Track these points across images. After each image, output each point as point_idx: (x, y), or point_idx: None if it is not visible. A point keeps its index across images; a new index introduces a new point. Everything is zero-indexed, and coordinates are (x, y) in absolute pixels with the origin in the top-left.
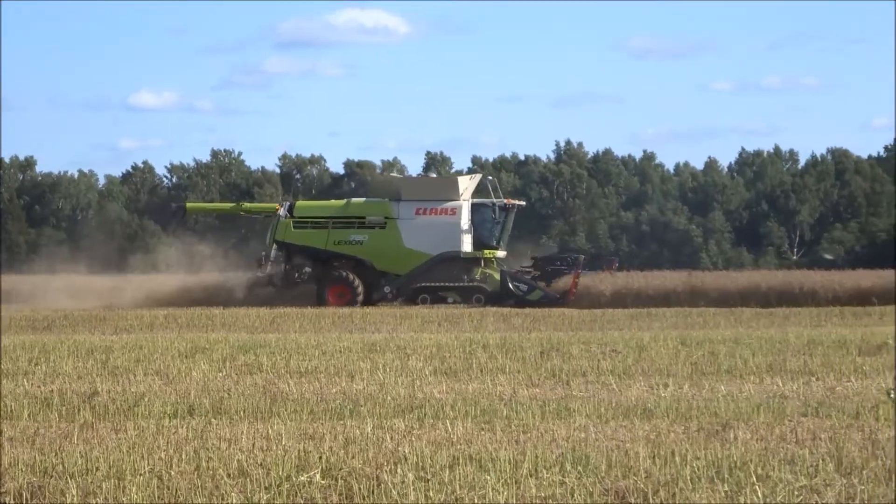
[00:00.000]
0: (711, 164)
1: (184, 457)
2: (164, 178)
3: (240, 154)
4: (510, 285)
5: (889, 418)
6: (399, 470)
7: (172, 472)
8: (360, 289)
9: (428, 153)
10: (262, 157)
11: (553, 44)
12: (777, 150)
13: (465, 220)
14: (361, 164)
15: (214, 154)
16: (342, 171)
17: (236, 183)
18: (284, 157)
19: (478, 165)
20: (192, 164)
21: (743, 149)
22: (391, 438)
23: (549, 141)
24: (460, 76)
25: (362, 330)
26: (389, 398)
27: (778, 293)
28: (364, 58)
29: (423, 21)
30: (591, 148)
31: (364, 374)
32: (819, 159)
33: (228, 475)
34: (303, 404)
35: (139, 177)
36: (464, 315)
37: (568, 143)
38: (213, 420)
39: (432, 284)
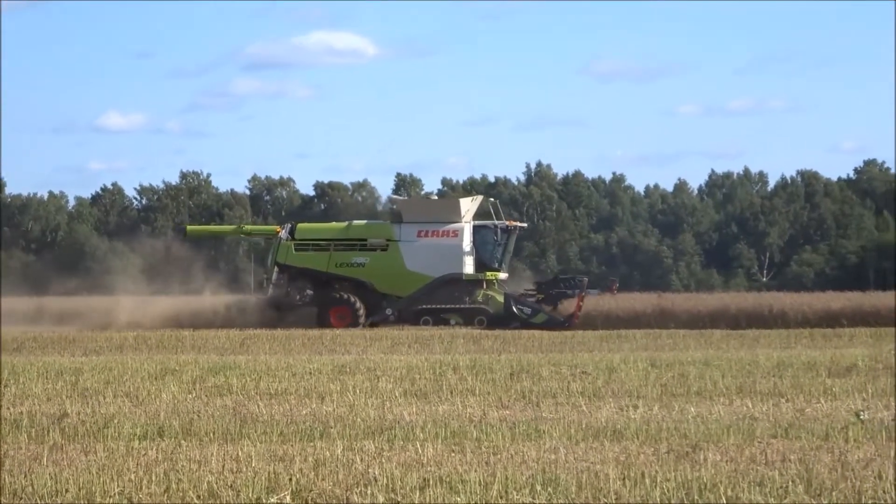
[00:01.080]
0: (681, 187)
1: (153, 479)
2: (134, 200)
3: (209, 176)
4: (514, 308)
5: (858, 440)
6: (369, 491)
7: (142, 495)
8: (362, 311)
9: (398, 174)
10: (230, 178)
11: (519, 67)
12: (746, 172)
13: (466, 242)
14: (332, 186)
15: (183, 176)
16: (312, 193)
17: (206, 205)
18: (254, 178)
19: (448, 187)
20: (161, 185)
21: (713, 171)
22: (361, 460)
23: (516, 164)
24: (428, 98)
25: (332, 351)
26: (359, 420)
27: (748, 315)
28: (332, 79)
29: (392, 43)
30: (560, 170)
31: (334, 396)
32: (788, 181)
33: (198, 497)
34: (273, 426)
35: (108, 198)
36: (434, 337)
37: (539, 164)
38: (182, 442)
39: (434, 306)
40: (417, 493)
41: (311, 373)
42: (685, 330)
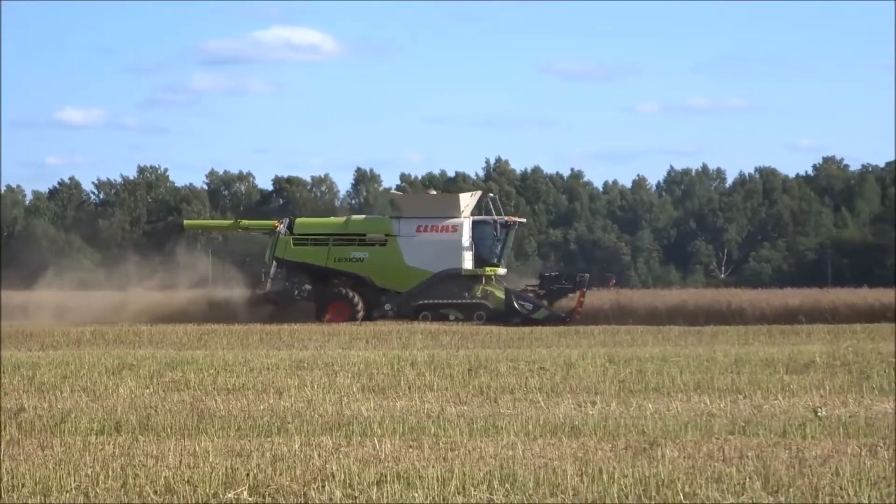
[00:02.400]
0: (640, 183)
1: (110, 473)
2: (92, 195)
3: (166, 171)
4: (515, 304)
5: (816, 436)
6: (327, 487)
7: (99, 489)
8: (361, 306)
9: (358, 169)
10: (188, 174)
11: (478, 65)
12: (705, 168)
13: (466, 238)
14: (291, 181)
15: (141, 171)
16: (271, 188)
17: (164, 200)
18: (212, 173)
19: (406, 183)
20: (119, 180)
21: (671, 167)
22: (319, 455)
23: (475, 160)
24: (387, 95)
25: (290, 347)
26: (317, 415)
27: (706, 311)
28: (291, 75)
29: (351, 40)
30: (519, 166)
31: (292, 391)
32: (747, 178)
33: (155, 492)
34: (230, 421)
35: (66, 193)
36: (392, 332)
37: (498, 160)
38: (139, 437)
39: (433, 302)
40: (375, 489)
41: (268, 368)
42: (643, 326)
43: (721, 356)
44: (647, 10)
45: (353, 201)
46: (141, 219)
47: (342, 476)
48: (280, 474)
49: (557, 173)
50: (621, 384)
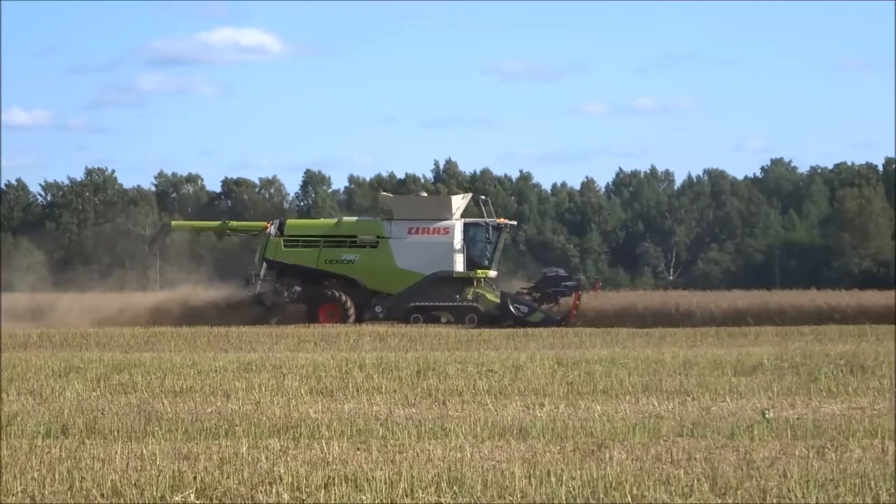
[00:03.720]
0: (588, 185)
1: (57, 477)
2: (38, 196)
3: (114, 172)
4: (511, 307)
5: (764, 438)
6: (274, 490)
7: (45, 493)
8: (352, 308)
9: (307, 171)
10: (135, 175)
11: (426, 66)
12: (653, 170)
13: (458, 240)
14: (239, 182)
15: (89, 172)
16: (219, 190)
17: (112, 201)
18: (160, 175)
19: (355, 184)
20: (66, 182)
21: (620, 169)
22: (266, 458)
23: (424, 161)
24: (334, 96)
25: (238, 349)
26: (265, 418)
27: (654, 313)
28: (238, 76)
29: (298, 40)
30: (468, 168)
31: (239, 394)
32: (695, 180)
33: (102, 495)
34: (177, 424)
35: (12, 194)
36: (340, 334)
37: (447, 162)
38: (86, 440)
39: (425, 304)
40: (323, 492)
41: (216, 370)
42: (591, 328)
43: (669, 358)
44: (591, 10)
45: (302, 203)
46: (88, 221)
47: (290, 478)
48: (227, 477)
49: (506, 175)
50: (569, 386)
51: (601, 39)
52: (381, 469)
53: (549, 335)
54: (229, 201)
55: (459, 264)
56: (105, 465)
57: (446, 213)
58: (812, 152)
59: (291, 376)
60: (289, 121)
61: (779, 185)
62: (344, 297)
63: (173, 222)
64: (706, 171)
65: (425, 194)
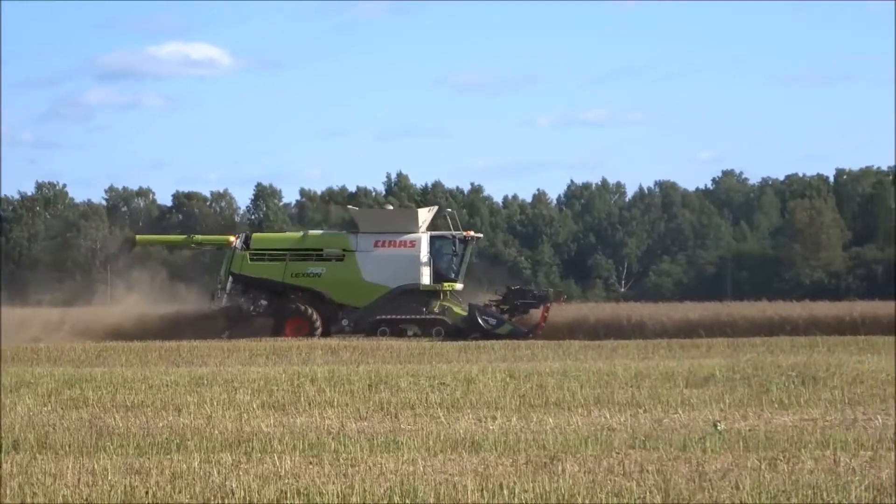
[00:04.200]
0: (540, 197)
1: (8, 492)
2: None
3: (64, 186)
4: (479, 319)
5: (716, 450)
6: None
7: None
8: (318, 322)
9: (258, 184)
10: (86, 189)
11: (376, 78)
12: (604, 182)
13: (424, 253)
14: (190, 196)
15: (39, 186)
16: (170, 203)
17: (63, 216)
18: (111, 189)
19: (306, 198)
20: (16, 196)
21: (572, 181)
22: (218, 472)
23: (375, 174)
24: (284, 109)
25: (189, 363)
26: (217, 432)
27: (606, 325)
28: (188, 90)
29: (247, 53)
30: (420, 181)
31: (191, 408)
32: (646, 192)
33: None
34: (129, 439)
35: None
36: (291, 348)
37: (399, 174)
38: (37, 455)
39: (392, 317)
40: None
41: (167, 385)
42: (543, 340)
43: (621, 370)
44: (542, 23)
45: (253, 216)
46: (39, 235)
47: (242, 493)
48: (179, 492)
49: (458, 188)
50: (522, 399)
51: (552, 52)
52: (334, 483)
53: (501, 348)
54: (180, 215)
55: (426, 277)
56: (56, 481)
57: (412, 226)
58: (763, 164)
59: (243, 390)
60: (239, 134)
61: (730, 196)
62: (310, 311)
63: (138, 236)
64: (657, 183)
65: (391, 207)
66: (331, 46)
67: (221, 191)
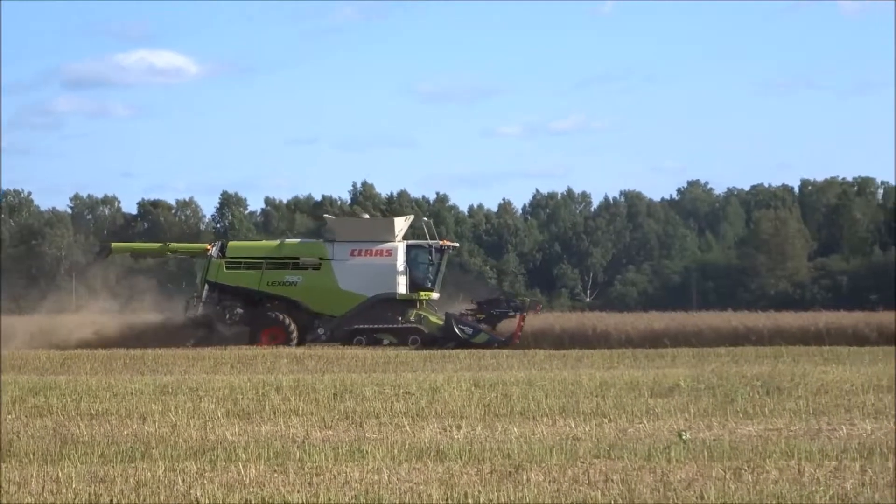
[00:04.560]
0: (505, 206)
1: None
2: None
3: (30, 194)
4: (455, 328)
5: (681, 460)
6: None
7: None
8: (294, 331)
9: (223, 192)
10: (52, 197)
11: (341, 87)
12: (570, 192)
13: (400, 262)
14: (156, 204)
15: (5, 194)
16: (135, 212)
17: (27, 223)
18: (76, 197)
19: (271, 206)
20: None
21: (537, 191)
22: (183, 481)
23: (342, 183)
24: (250, 117)
25: (154, 371)
26: (181, 440)
27: (571, 335)
28: (154, 98)
29: (214, 62)
30: (386, 190)
31: (156, 416)
32: (612, 201)
33: None
34: (94, 447)
35: None
36: (257, 356)
37: (364, 183)
38: (2, 463)
39: (368, 326)
40: None
41: (132, 393)
42: (508, 350)
43: (586, 380)
44: (507, 33)
45: (219, 225)
46: (4, 243)
47: (206, 501)
48: (144, 500)
49: (424, 197)
50: (487, 408)
51: (517, 62)
52: (299, 491)
53: (467, 357)
54: (146, 223)
55: (402, 286)
56: (20, 489)
57: (389, 235)
58: (728, 174)
59: (208, 399)
60: (205, 143)
61: (695, 206)
62: (287, 320)
63: (114, 244)
64: (623, 193)
65: (367, 216)
66: (297, 55)
67: (187, 199)
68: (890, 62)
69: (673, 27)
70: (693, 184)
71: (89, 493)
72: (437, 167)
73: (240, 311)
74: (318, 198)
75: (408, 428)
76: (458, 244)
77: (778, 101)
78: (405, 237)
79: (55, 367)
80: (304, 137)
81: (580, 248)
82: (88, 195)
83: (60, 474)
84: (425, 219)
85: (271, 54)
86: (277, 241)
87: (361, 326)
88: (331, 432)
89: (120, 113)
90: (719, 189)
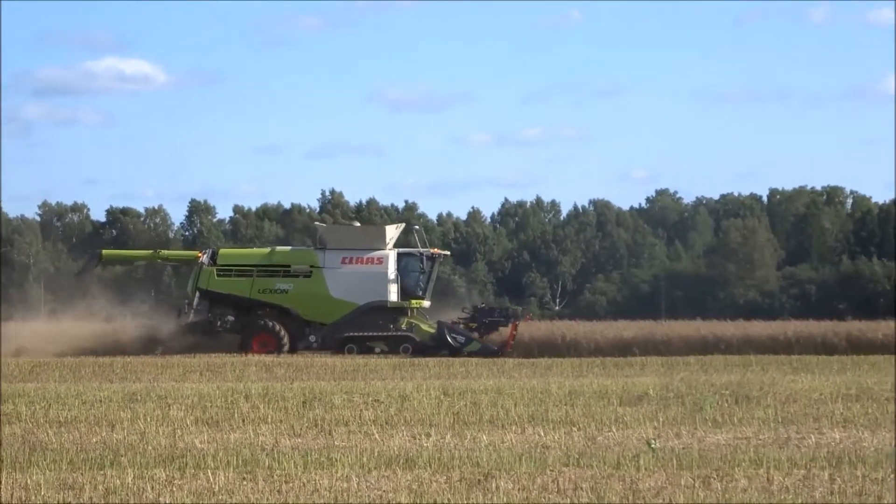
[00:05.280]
0: (474, 215)
1: None
2: None
3: None
4: (447, 337)
5: (649, 468)
6: None
7: None
8: (286, 338)
9: (192, 200)
10: (20, 204)
11: (308, 94)
12: (539, 200)
13: (391, 270)
14: (125, 212)
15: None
16: (104, 219)
17: None
18: (44, 204)
19: (240, 214)
20: None
21: (506, 199)
22: (152, 488)
23: (310, 191)
24: (218, 125)
25: (123, 379)
26: (150, 448)
27: (539, 343)
28: (122, 106)
29: (182, 70)
30: (354, 198)
31: (125, 424)
32: (580, 210)
33: None
34: (62, 454)
35: None
36: (226, 364)
37: (332, 192)
38: None
39: (359, 334)
40: None
41: (101, 400)
42: (478, 358)
43: (555, 388)
44: (475, 41)
45: (187, 233)
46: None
47: None
48: None
49: (392, 205)
50: (456, 416)
51: (485, 69)
52: (268, 499)
53: (436, 365)
54: (114, 231)
55: (393, 294)
56: None
57: (380, 242)
58: (696, 182)
59: (177, 406)
60: (173, 150)
61: (664, 215)
62: (278, 327)
63: (104, 251)
64: (592, 202)
65: (358, 224)
66: (264, 63)
67: (156, 207)
68: (861, 70)
69: (640, 35)
70: (662, 193)
71: (58, 500)
72: (406, 175)
73: (231, 318)
74: (287, 206)
75: (377, 436)
76: (448, 252)
77: (746, 108)
78: (396, 245)
79: (24, 375)
80: (272, 146)
81: (549, 257)
82: (57, 203)
83: (29, 481)
84: (416, 227)
85: (239, 62)
86: (268, 249)
87: (353, 334)
88: (300, 440)
89: (88, 120)
90: (688, 198)
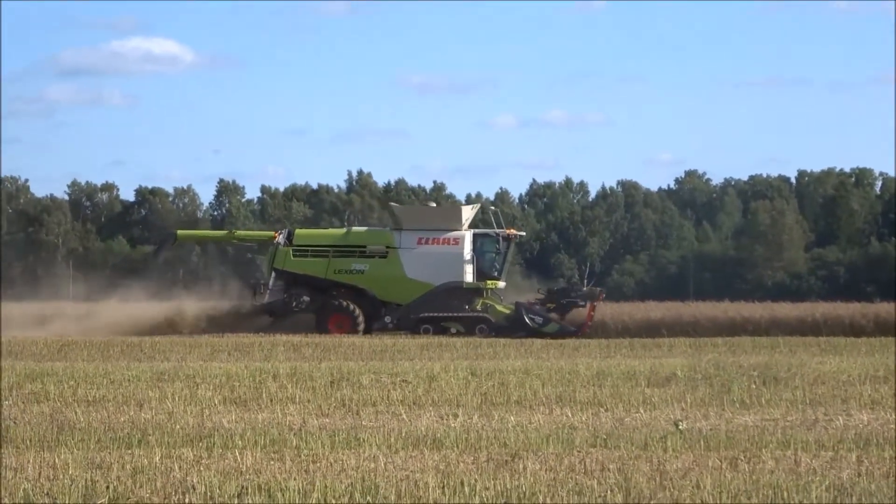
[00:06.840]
0: (503, 195)
1: None
2: None
3: (27, 181)
4: (525, 318)
5: (677, 449)
6: (187, 499)
7: None
8: (361, 318)
9: (221, 180)
10: (48, 185)
11: (336, 78)
12: (568, 181)
13: (467, 250)
14: (154, 192)
15: (1, 181)
16: (133, 199)
17: (24, 210)
18: (74, 184)
19: (267, 195)
20: None
21: (534, 180)
22: (180, 468)
23: (337, 172)
24: (246, 106)
25: (151, 359)
26: (178, 427)
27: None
28: (149, 87)
29: (210, 51)
30: (382, 179)
31: (153, 403)
32: (608, 191)
33: None
34: (90, 433)
35: None
36: (254, 344)
37: (360, 172)
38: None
39: (434, 315)
40: (236, 501)
41: (129, 380)
42: (505, 339)
43: (583, 369)
44: (501, 24)
45: (216, 213)
46: (1, 229)
47: (203, 488)
48: (140, 486)
49: (420, 186)
50: (483, 397)
51: (512, 53)
52: (295, 479)
53: (464, 346)
54: (143, 211)
55: (469, 275)
56: (17, 475)
57: (456, 223)
58: (722, 166)
59: (205, 386)
60: (200, 131)
61: (693, 196)
62: (353, 307)
63: (179, 231)
64: (620, 183)
65: (434, 204)
66: (292, 45)
67: (185, 187)
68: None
69: (668, 20)
70: (690, 174)
71: (86, 480)
72: (432, 158)
73: (306, 298)
74: (314, 186)
75: (404, 416)
76: (524, 233)
77: (773, 92)
78: (472, 225)
79: (52, 354)
80: (299, 128)
81: (577, 238)
82: (87, 182)
83: (57, 460)
84: (493, 208)
85: (267, 43)
86: (345, 230)
87: (428, 315)
88: (327, 420)
89: (114, 101)
90: (717, 179)
